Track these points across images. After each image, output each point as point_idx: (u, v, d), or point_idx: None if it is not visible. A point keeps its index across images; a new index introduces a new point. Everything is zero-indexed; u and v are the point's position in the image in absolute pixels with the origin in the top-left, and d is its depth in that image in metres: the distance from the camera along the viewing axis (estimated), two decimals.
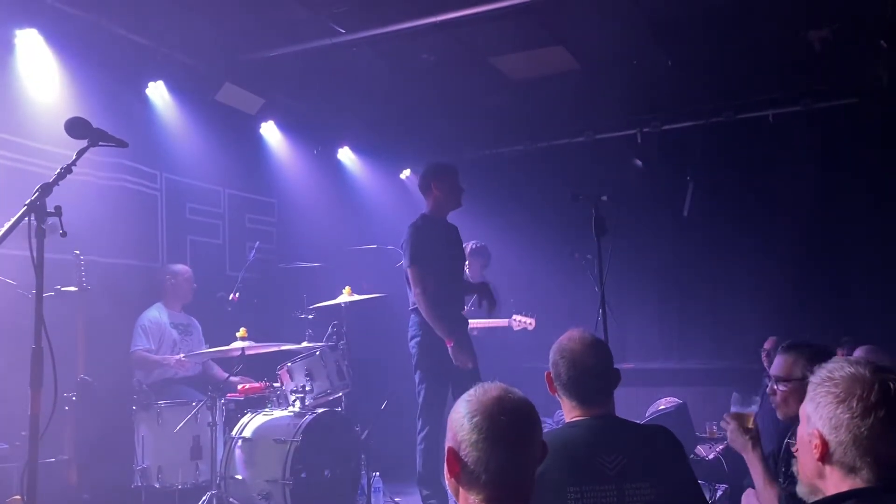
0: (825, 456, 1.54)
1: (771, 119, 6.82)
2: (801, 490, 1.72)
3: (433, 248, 4.63)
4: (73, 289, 4.42)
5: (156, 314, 5.26)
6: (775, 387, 2.75)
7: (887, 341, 5.26)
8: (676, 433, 2.39)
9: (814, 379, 1.60)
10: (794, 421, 2.50)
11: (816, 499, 1.61)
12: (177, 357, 5.11)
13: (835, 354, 2.79)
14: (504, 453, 1.52)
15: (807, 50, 5.79)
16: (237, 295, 5.39)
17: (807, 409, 1.61)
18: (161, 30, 5.25)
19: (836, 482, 1.54)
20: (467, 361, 4.53)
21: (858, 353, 5.19)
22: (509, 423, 1.53)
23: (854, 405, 1.50)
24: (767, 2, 5.15)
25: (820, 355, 2.72)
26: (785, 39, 5.73)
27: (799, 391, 2.71)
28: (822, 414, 1.55)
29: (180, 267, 5.45)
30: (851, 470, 1.51)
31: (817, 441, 1.55)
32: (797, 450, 1.94)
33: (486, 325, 6.15)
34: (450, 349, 4.50)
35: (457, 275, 4.95)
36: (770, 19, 5.40)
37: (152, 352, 5.11)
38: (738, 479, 5.30)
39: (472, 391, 1.61)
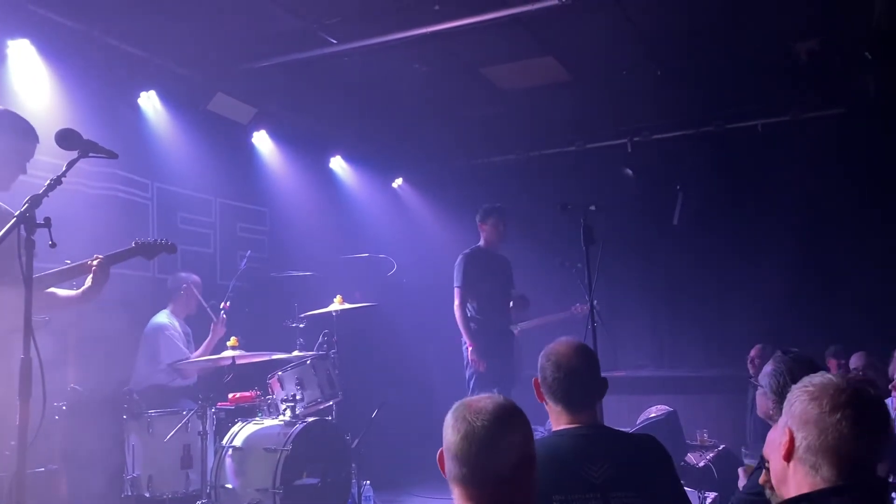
0: (790, 452, 1.58)
1: (760, 129, 6.89)
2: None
3: (475, 274, 5.74)
4: None
5: (172, 321, 5.25)
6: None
7: (877, 350, 5.32)
8: (667, 441, 2.41)
9: (794, 385, 1.65)
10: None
11: None
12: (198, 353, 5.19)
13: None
14: (478, 456, 1.59)
15: (794, 61, 5.86)
16: (228, 304, 5.38)
17: (783, 415, 1.65)
18: (153, 40, 5.27)
19: (797, 482, 1.58)
20: (480, 364, 5.55)
21: (854, 359, 5.25)
22: (483, 428, 1.60)
23: (824, 402, 1.55)
24: (755, 14, 5.20)
25: (784, 375, 2.73)
26: (773, 50, 5.79)
27: (762, 397, 2.76)
28: (794, 411, 1.60)
29: (194, 277, 5.42)
30: (812, 467, 1.55)
31: (786, 438, 1.59)
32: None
33: (544, 322, 6.75)
34: (469, 351, 5.61)
35: (495, 295, 5.83)
36: (758, 31, 5.45)
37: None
38: (728, 487, 5.32)
39: (466, 397, 1.70)
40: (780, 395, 2.62)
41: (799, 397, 1.61)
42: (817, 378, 1.62)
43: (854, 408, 1.54)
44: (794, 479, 1.59)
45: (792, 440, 1.59)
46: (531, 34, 5.43)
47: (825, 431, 1.54)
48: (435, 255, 7.58)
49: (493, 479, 1.60)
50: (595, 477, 2.12)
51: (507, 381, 5.63)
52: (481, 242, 5.94)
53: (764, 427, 3.14)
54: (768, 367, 2.81)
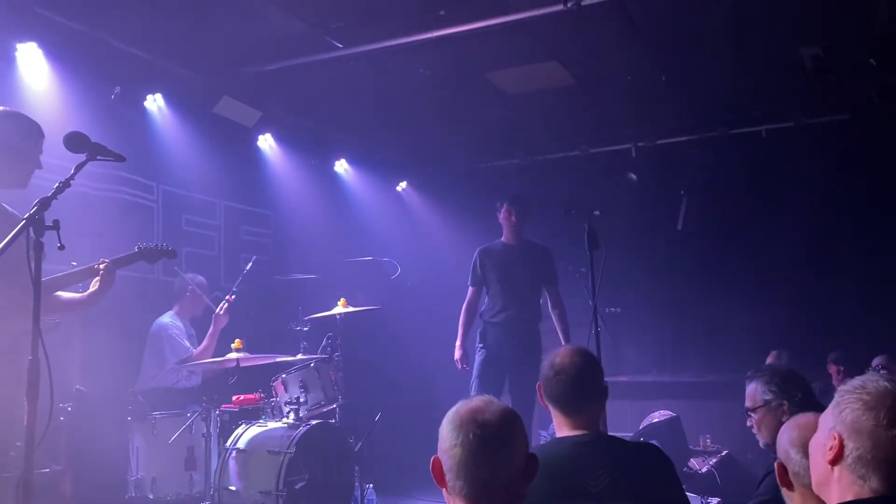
0: (838, 458, 1.54)
1: (764, 134, 6.90)
2: None
3: (484, 269, 5.62)
4: None
5: (175, 322, 5.26)
6: (749, 419, 2.79)
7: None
8: (669, 446, 2.41)
9: (844, 387, 1.59)
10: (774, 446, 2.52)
11: None
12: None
13: (794, 371, 2.82)
14: (476, 463, 1.59)
15: (799, 67, 5.87)
16: (233, 297, 5.36)
17: (827, 416, 1.60)
18: (159, 43, 5.29)
19: (842, 488, 1.53)
20: (459, 364, 5.50)
21: (877, 361, 5.25)
22: (480, 434, 1.60)
23: (881, 415, 1.50)
24: (760, 19, 5.20)
25: (777, 375, 2.74)
26: (777, 56, 5.79)
27: (766, 416, 2.73)
28: (845, 417, 1.54)
29: (199, 278, 5.43)
30: (861, 477, 1.50)
31: (834, 443, 1.54)
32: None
33: None
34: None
35: (507, 290, 5.56)
36: (762, 37, 5.46)
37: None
38: (731, 493, 5.32)
39: (459, 403, 1.69)
40: (786, 392, 2.62)
41: (851, 404, 1.55)
42: (871, 384, 1.56)
43: None
44: (838, 484, 1.55)
45: (842, 447, 1.54)
46: (536, 39, 5.44)
47: (880, 445, 1.49)
48: (438, 259, 7.60)
49: (491, 491, 1.60)
50: (592, 486, 2.12)
51: (519, 381, 5.30)
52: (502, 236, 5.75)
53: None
54: (754, 387, 2.78)
